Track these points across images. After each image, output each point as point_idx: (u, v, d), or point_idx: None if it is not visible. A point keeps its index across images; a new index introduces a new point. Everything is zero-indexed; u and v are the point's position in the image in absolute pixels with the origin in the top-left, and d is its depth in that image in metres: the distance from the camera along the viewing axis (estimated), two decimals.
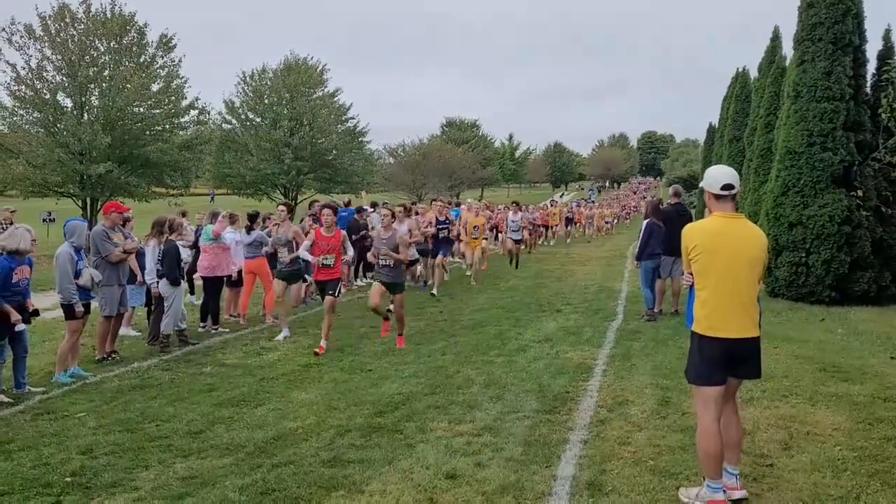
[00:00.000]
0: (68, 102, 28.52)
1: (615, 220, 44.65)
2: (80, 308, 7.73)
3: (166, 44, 30.64)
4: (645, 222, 11.29)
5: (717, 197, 4.21)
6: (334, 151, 42.33)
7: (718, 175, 4.22)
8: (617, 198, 73.14)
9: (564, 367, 7.82)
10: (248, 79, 42.29)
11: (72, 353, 8.01)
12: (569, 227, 34.75)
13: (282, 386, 7.39)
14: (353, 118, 45.08)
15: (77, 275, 7.77)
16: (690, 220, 9.97)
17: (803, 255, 11.98)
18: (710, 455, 4.12)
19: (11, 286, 6.91)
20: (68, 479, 4.89)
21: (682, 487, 4.43)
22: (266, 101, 41.78)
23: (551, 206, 40.48)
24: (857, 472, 4.70)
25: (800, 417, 5.84)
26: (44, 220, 26.51)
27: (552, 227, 32.41)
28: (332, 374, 7.86)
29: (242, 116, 42.39)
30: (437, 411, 6.25)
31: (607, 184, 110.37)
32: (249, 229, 11.36)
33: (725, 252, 4.09)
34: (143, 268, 9.61)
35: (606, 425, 5.76)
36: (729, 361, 4.13)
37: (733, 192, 4.17)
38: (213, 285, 10.72)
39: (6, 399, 6.93)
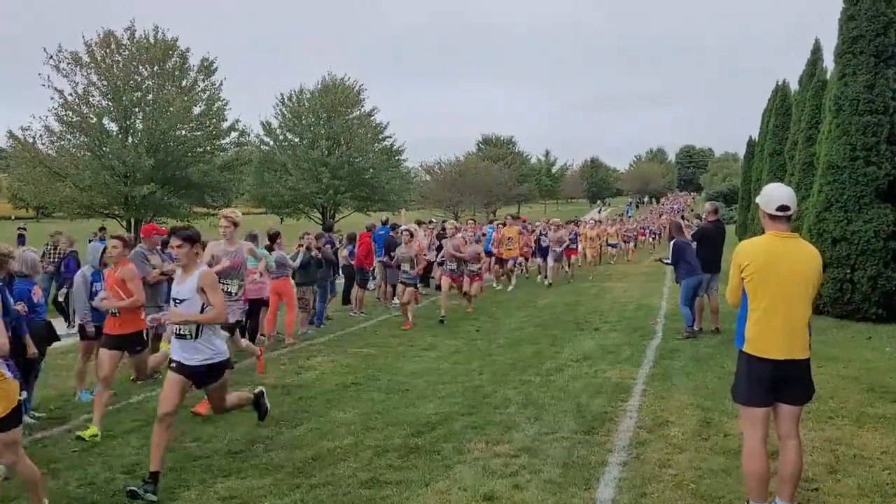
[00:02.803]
0: (113, 126, 29.35)
1: (630, 244, 33.08)
2: (90, 329, 7.89)
3: (207, 68, 31.39)
4: (672, 242, 11.28)
5: (772, 217, 4.16)
6: (371, 170, 42.73)
7: (776, 195, 4.17)
8: (652, 213, 70.03)
9: (603, 386, 7.74)
10: (285, 100, 43.04)
11: (97, 373, 8.21)
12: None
13: (320, 405, 7.44)
14: (389, 137, 45.58)
15: (92, 296, 7.97)
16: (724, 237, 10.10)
17: (848, 271, 11.70)
18: (755, 476, 4.07)
19: (36, 306, 7.15)
20: (113, 499, 4.99)
21: None
22: (304, 122, 42.44)
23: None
24: None
25: (846, 440, 5.70)
26: (89, 241, 27.15)
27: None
28: (370, 393, 7.89)
29: (280, 137, 43.10)
30: (475, 432, 6.24)
31: (646, 199, 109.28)
32: (270, 249, 11.37)
33: (780, 272, 4.05)
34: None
35: (646, 447, 5.68)
36: (776, 383, 4.07)
37: (789, 213, 4.12)
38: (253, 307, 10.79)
39: (30, 420, 7.08)
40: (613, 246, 28.54)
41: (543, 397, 7.34)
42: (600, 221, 30.92)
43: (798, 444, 4.21)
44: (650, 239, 39.89)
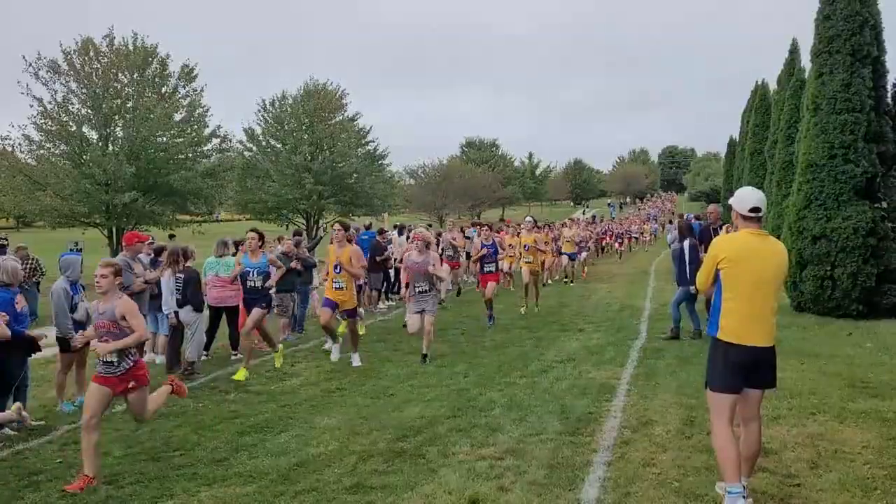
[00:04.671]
0: (93, 134, 29.06)
1: (591, 247, 27.46)
2: (75, 342, 7.79)
3: (188, 74, 31.18)
4: (685, 243, 10.80)
5: (745, 217, 4.48)
6: (355, 175, 42.58)
7: (748, 198, 4.49)
8: (636, 214, 68.41)
9: (587, 387, 7.77)
10: (268, 106, 42.83)
11: (78, 384, 8.14)
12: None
13: (304, 411, 7.41)
14: (372, 141, 45.47)
15: (73, 309, 7.89)
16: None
17: (829, 268, 11.83)
18: (731, 459, 4.24)
19: (17, 315, 7.07)
20: None
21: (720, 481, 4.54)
22: (286, 128, 42.26)
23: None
24: (888, 491, 4.61)
25: (828, 435, 5.75)
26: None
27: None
28: (355, 398, 7.87)
29: (263, 143, 42.90)
30: (460, 434, 6.24)
31: (628, 199, 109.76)
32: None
33: (754, 265, 4.36)
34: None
35: (630, 446, 5.71)
36: (748, 369, 4.33)
37: (760, 214, 4.46)
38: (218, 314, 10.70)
39: (11, 431, 7.01)
40: (571, 257, 21.32)
41: (528, 399, 7.35)
42: (565, 224, 24.07)
43: (759, 426, 4.53)
44: (616, 244, 34.02)
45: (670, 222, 32.57)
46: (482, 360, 9.70)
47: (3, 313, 6.72)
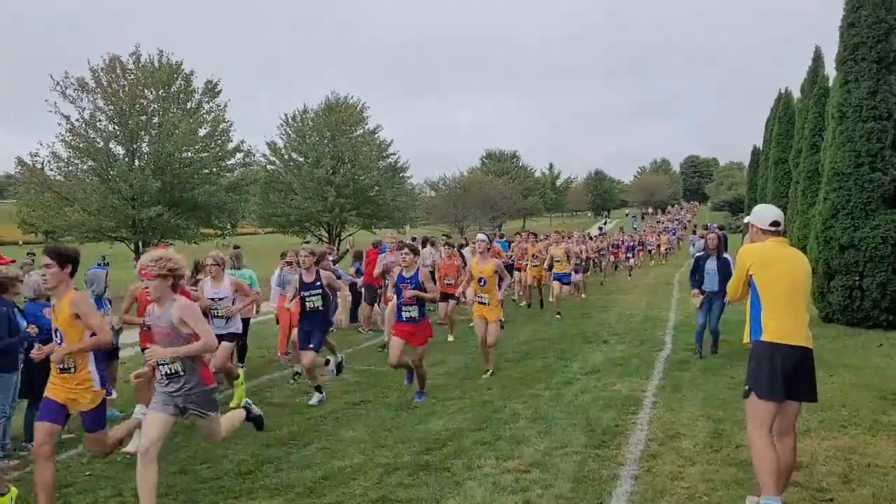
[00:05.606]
0: (120, 150, 29.59)
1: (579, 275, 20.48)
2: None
3: (212, 89, 31.64)
4: (726, 257, 10.32)
5: (765, 231, 4.60)
6: (376, 188, 42.89)
7: (767, 213, 4.64)
8: (662, 223, 67.40)
9: (612, 399, 7.70)
10: (290, 120, 43.31)
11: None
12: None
13: (329, 424, 7.44)
14: (393, 154, 45.78)
15: None
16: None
17: (857, 278, 11.65)
18: (773, 471, 4.18)
19: (46, 329, 7.17)
20: None
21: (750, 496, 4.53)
22: (308, 141, 42.66)
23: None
24: None
25: (860, 449, 5.65)
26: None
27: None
28: (379, 411, 7.88)
29: (286, 157, 43.33)
30: (485, 447, 6.21)
31: (650, 210, 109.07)
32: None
33: (786, 266, 4.48)
34: None
35: (657, 460, 5.65)
36: (793, 374, 4.32)
37: (780, 228, 4.59)
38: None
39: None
40: (565, 280, 16.16)
41: (553, 411, 7.31)
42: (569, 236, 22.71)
43: (794, 440, 4.52)
44: (627, 259, 30.04)
45: (694, 233, 32.19)
46: (506, 371, 9.67)
47: (34, 325, 6.82)
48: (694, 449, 5.86)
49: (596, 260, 27.27)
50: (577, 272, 18.64)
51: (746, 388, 4.45)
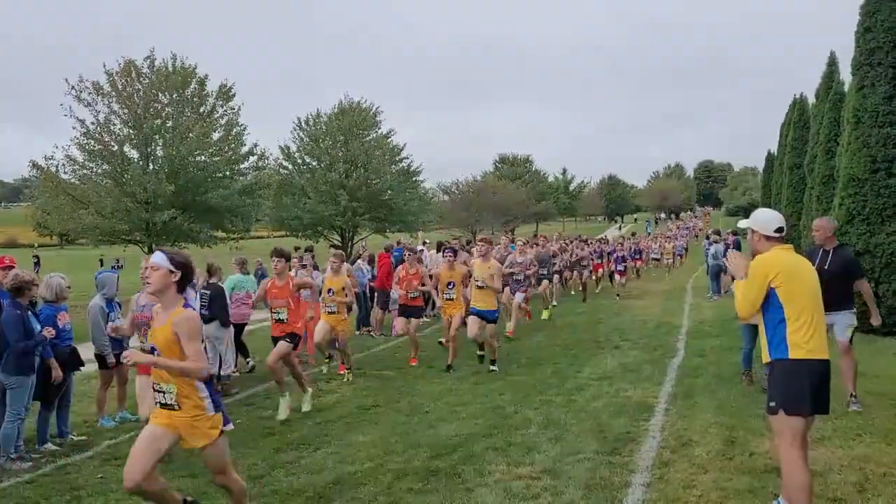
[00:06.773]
0: (134, 153, 29.73)
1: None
2: (111, 359, 7.92)
3: (226, 93, 31.78)
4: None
5: (769, 238, 4.50)
6: (389, 192, 42.90)
7: (772, 219, 4.55)
8: (679, 229, 66.57)
9: (624, 406, 7.66)
10: (303, 124, 43.45)
11: (119, 400, 8.28)
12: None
13: (340, 429, 7.43)
14: (406, 158, 45.80)
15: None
16: (858, 268, 7.58)
17: (873, 285, 11.50)
18: (808, 488, 4.14)
19: (60, 332, 7.21)
20: None
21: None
22: (321, 145, 42.76)
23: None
24: None
25: (875, 457, 5.58)
26: (112, 268, 27.50)
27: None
28: (390, 416, 7.87)
29: (299, 161, 43.46)
30: (496, 453, 6.19)
31: (662, 215, 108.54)
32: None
33: (805, 276, 4.39)
34: None
35: (670, 467, 5.61)
36: (819, 387, 4.26)
37: (783, 233, 4.52)
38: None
39: (53, 446, 7.15)
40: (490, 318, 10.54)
41: (565, 417, 7.28)
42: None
43: (806, 451, 4.39)
44: (617, 273, 24.16)
45: (707, 238, 31.96)
46: (517, 377, 9.64)
47: (50, 328, 6.87)
48: (707, 457, 5.81)
49: (567, 274, 21.76)
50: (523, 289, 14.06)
51: (773, 404, 4.28)
